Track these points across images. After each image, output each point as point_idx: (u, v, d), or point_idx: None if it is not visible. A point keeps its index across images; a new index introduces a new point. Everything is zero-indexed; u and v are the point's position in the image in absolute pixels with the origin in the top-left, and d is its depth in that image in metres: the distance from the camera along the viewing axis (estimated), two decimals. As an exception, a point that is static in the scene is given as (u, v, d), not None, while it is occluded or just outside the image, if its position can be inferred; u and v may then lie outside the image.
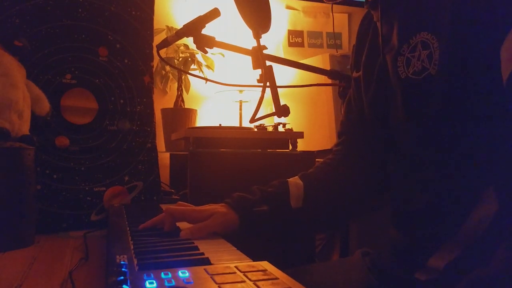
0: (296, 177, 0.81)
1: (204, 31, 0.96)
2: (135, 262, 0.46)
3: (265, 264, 0.44)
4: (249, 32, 0.81)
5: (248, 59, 0.93)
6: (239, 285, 0.38)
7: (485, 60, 0.54)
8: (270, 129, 1.72)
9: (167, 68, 2.04)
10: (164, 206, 0.91)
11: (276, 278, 0.40)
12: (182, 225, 0.70)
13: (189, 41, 1.35)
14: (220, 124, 1.68)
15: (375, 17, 0.73)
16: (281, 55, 2.40)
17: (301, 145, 1.60)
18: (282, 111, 0.80)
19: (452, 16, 0.57)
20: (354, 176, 0.81)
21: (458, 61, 0.57)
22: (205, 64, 2.05)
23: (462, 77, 0.57)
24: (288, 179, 0.80)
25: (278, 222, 0.76)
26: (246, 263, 0.46)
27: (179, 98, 2.01)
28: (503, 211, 0.56)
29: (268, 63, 0.82)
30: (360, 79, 0.78)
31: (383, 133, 0.73)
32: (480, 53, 0.55)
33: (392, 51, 0.67)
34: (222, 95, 2.16)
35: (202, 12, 0.94)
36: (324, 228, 0.87)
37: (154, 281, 0.39)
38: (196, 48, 0.97)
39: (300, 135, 1.57)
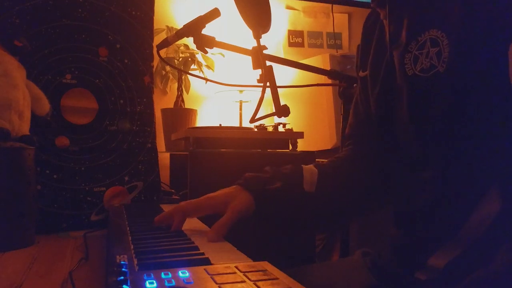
0: (311, 165, 0.80)
1: (204, 31, 0.96)
2: (135, 262, 0.46)
3: (265, 264, 0.44)
4: (249, 32, 0.81)
5: (248, 59, 0.92)
6: (239, 285, 0.38)
7: (493, 60, 0.54)
8: (270, 129, 1.71)
9: (167, 68, 2.04)
10: (164, 206, 0.91)
11: (276, 278, 0.40)
12: (183, 225, 0.69)
13: (189, 41, 1.35)
14: (220, 124, 1.67)
15: (382, 15, 0.73)
16: (281, 55, 2.40)
17: (301, 145, 1.59)
18: (282, 111, 0.80)
19: (462, 13, 0.56)
20: (361, 174, 0.81)
21: (467, 59, 0.57)
22: (205, 64, 2.05)
23: (470, 75, 0.56)
24: (303, 165, 0.79)
25: (291, 201, 0.74)
26: (246, 263, 0.46)
27: (179, 98, 2.01)
28: (505, 211, 0.56)
29: (268, 63, 0.82)
30: (367, 78, 0.78)
31: (388, 132, 0.73)
32: (488, 53, 0.55)
33: (400, 48, 0.67)
34: (222, 95, 2.16)
35: (202, 12, 0.94)
36: (332, 220, 0.85)
37: (154, 281, 0.39)
38: (196, 48, 0.97)
39: (300, 135, 1.57)
